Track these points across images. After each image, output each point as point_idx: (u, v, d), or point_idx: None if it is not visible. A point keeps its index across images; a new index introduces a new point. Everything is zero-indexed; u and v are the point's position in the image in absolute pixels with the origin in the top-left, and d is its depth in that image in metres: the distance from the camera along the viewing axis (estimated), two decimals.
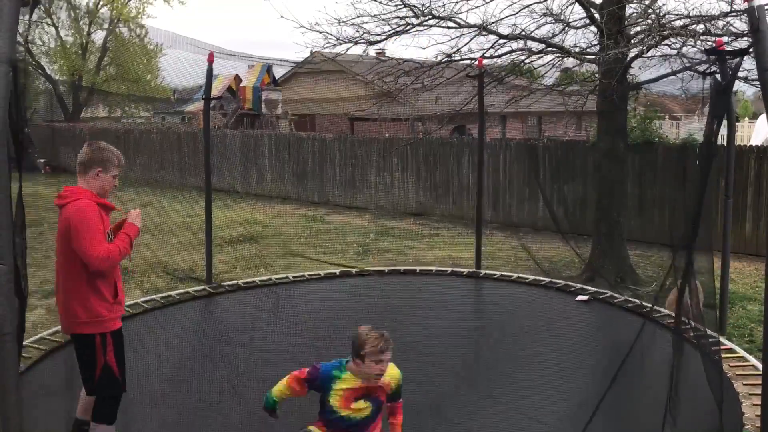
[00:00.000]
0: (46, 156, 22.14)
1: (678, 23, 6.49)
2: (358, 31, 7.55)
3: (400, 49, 40.38)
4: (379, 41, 7.66)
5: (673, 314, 5.66)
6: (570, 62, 7.54)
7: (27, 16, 23.49)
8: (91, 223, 3.21)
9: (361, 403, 3.50)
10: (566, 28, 7.27)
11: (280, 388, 3.55)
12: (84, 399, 3.62)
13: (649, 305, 6.01)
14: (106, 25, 28.58)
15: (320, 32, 7.55)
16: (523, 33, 7.23)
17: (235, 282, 7.15)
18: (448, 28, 7.43)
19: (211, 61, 6.50)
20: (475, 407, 4.32)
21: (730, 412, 3.87)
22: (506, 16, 7.56)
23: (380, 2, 7.38)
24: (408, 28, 7.43)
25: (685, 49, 6.30)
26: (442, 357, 5.24)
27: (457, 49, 7.56)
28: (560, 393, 4.48)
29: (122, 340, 3.53)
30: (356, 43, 7.65)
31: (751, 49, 3.26)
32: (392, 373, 3.57)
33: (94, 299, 3.33)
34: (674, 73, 6.71)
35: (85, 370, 3.44)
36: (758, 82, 3.22)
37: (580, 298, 6.47)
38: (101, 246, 3.21)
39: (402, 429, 3.54)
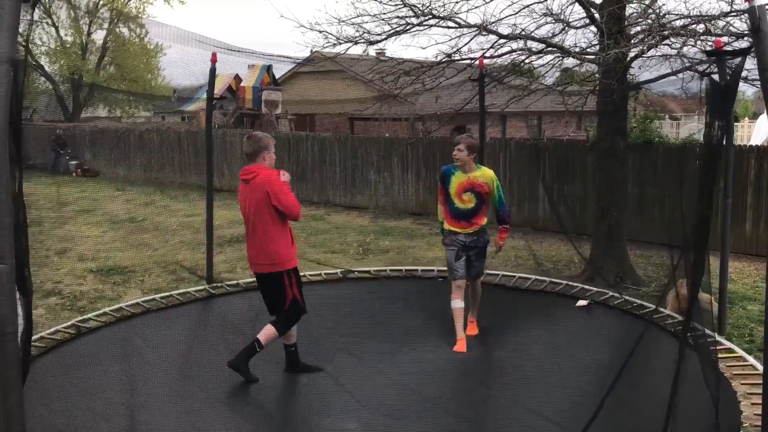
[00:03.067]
0: (77, 159, 21.93)
1: (678, 23, 6.49)
2: (358, 31, 7.55)
3: (400, 49, 40.34)
4: (379, 41, 7.65)
5: (675, 314, 5.68)
6: (570, 62, 7.54)
7: (28, 16, 23.48)
8: (282, 186, 4.44)
9: (468, 195, 5.35)
10: (566, 28, 7.27)
11: (439, 213, 5.64)
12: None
13: (651, 305, 6.01)
14: (106, 25, 28.58)
15: (320, 32, 7.56)
16: (523, 33, 7.22)
17: (236, 282, 7.15)
18: (448, 28, 7.43)
19: (214, 61, 6.51)
20: (477, 401, 4.34)
21: (728, 412, 3.87)
22: (506, 16, 7.56)
23: (380, 2, 7.38)
24: (408, 27, 7.42)
25: (685, 49, 6.31)
26: (444, 353, 5.25)
27: (457, 49, 7.56)
28: (562, 389, 4.50)
29: (299, 274, 4.73)
30: (356, 42, 7.64)
31: (752, 49, 3.26)
32: (485, 173, 5.42)
33: (286, 243, 4.53)
34: (674, 73, 6.70)
35: (277, 302, 4.60)
36: (758, 82, 3.22)
37: (579, 303, 6.42)
38: (295, 199, 4.48)
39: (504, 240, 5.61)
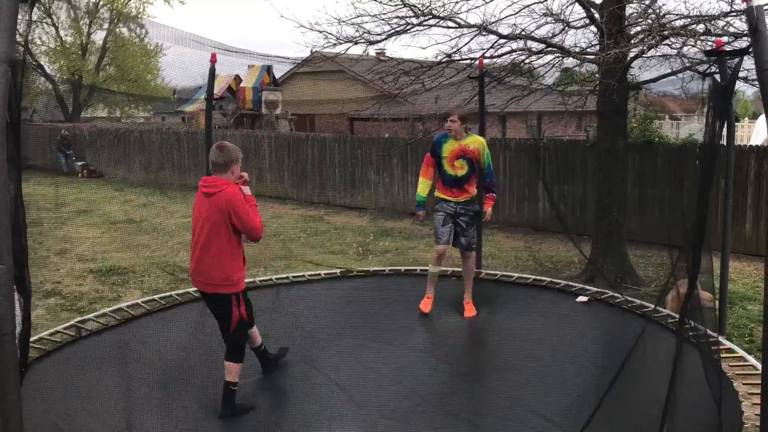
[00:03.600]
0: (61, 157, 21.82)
1: (678, 23, 6.49)
2: (358, 31, 7.55)
3: (400, 49, 40.38)
4: (379, 41, 7.65)
5: (674, 313, 5.68)
6: (570, 62, 7.53)
7: (26, 15, 23.46)
8: (245, 206, 4.15)
9: (460, 162, 5.47)
10: (566, 28, 7.26)
11: (420, 185, 5.69)
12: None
13: (651, 305, 6.02)
14: (106, 25, 28.59)
15: (320, 32, 7.55)
16: (523, 33, 7.22)
17: None
18: (448, 28, 7.42)
19: (213, 61, 6.50)
20: (476, 401, 4.34)
21: (729, 411, 3.87)
22: (506, 16, 7.56)
23: (380, 2, 7.38)
24: (408, 28, 7.42)
25: (685, 49, 6.30)
26: (443, 353, 5.25)
27: (457, 49, 7.55)
28: (560, 389, 4.50)
29: (247, 294, 4.44)
30: (356, 43, 7.64)
31: (750, 49, 3.26)
32: (476, 139, 5.59)
33: (239, 264, 4.30)
34: (674, 73, 6.70)
35: (223, 323, 4.32)
36: (758, 82, 3.22)
37: (580, 299, 6.46)
38: (257, 220, 4.21)
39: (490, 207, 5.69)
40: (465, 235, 5.70)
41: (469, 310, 5.78)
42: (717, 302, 5.46)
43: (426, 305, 5.70)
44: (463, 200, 5.60)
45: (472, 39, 7.43)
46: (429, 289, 5.75)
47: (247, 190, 4.34)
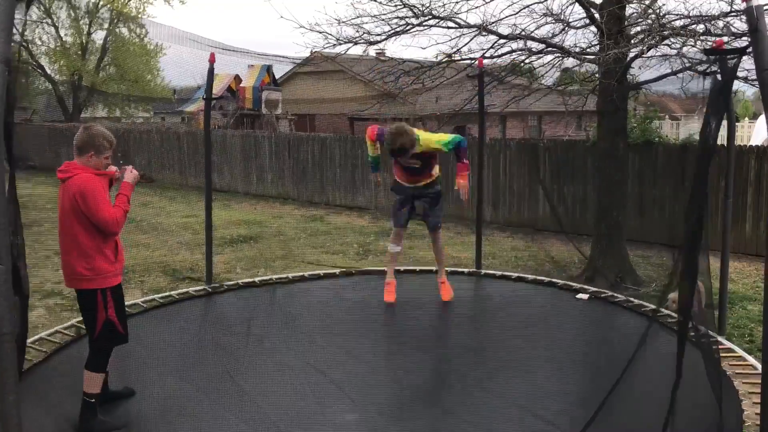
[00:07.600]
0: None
1: (678, 23, 6.49)
2: (357, 32, 7.55)
3: (400, 49, 40.28)
4: (379, 41, 7.65)
5: (675, 314, 5.68)
6: (570, 62, 7.53)
7: (23, 15, 23.42)
8: (96, 194, 3.72)
9: (413, 160, 5.25)
10: (566, 28, 7.26)
11: (369, 147, 5.59)
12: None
13: (651, 305, 6.01)
14: (106, 25, 28.57)
15: (320, 32, 7.55)
16: (523, 33, 7.22)
17: (235, 282, 7.15)
18: (448, 28, 7.42)
19: (212, 61, 6.49)
20: (475, 400, 4.33)
21: (730, 411, 3.87)
22: (506, 16, 7.55)
23: (380, 2, 7.38)
24: (408, 28, 7.42)
25: (685, 49, 6.30)
26: (443, 353, 5.24)
27: (457, 49, 7.55)
28: (560, 389, 4.49)
29: (122, 295, 4.01)
30: (356, 43, 7.64)
31: (749, 49, 3.26)
32: (426, 143, 5.25)
33: (104, 256, 3.82)
34: (674, 73, 6.70)
35: (89, 324, 3.89)
36: (758, 82, 3.21)
37: (580, 296, 6.47)
38: (108, 211, 3.75)
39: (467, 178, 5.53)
40: (430, 215, 5.54)
41: (446, 291, 5.57)
42: (717, 301, 5.45)
43: (390, 294, 5.42)
44: (421, 185, 5.45)
45: (472, 39, 7.43)
46: (389, 273, 5.57)
47: (128, 175, 4.02)
